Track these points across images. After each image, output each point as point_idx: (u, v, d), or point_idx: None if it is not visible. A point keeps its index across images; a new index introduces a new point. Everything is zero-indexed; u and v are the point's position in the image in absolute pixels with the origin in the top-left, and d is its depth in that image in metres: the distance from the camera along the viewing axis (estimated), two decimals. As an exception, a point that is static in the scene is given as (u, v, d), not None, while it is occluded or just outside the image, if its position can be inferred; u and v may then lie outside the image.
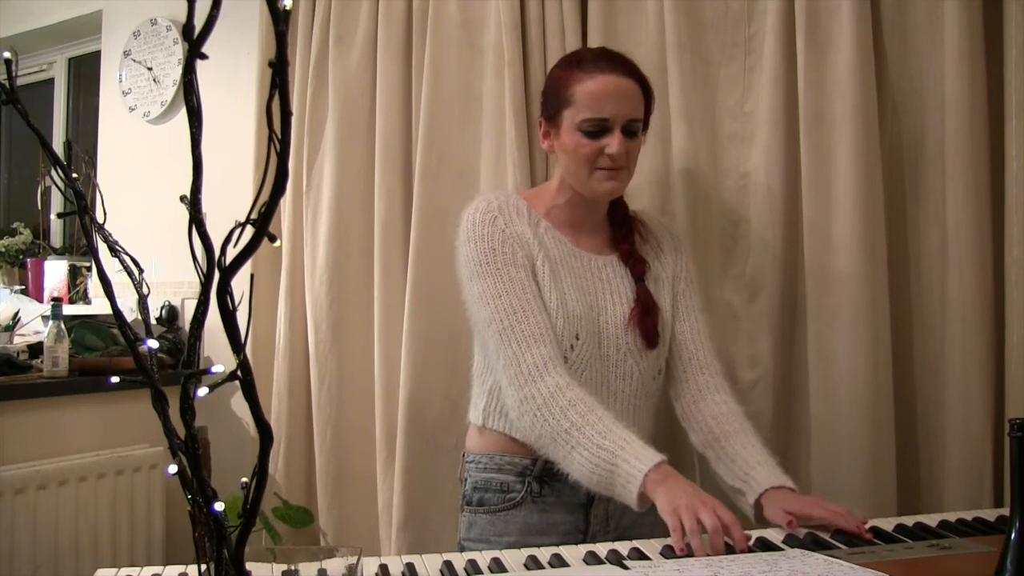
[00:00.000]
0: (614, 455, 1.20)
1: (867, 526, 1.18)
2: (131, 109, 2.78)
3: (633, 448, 1.21)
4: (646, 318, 1.42)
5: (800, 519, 1.18)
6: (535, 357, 1.30)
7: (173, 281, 2.54)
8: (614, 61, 1.41)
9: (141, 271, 0.78)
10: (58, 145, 3.26)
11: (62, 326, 2.24)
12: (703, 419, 1.42)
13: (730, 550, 1.09)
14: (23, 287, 3.00)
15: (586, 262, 1.44)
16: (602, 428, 1.23)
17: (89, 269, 2.93)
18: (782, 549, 1.10)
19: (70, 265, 2.91)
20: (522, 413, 1.31)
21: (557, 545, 1.15)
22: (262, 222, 0.60)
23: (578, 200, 1.45)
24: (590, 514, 1.41)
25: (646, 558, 1.08)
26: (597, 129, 1.37)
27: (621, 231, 1.49)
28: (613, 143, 1.36)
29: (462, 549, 1.44)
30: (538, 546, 1.15)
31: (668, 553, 1.11)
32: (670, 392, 1.50)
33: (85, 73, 3.30)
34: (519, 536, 1.39)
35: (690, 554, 1.08)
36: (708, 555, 1.07)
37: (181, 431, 0.67)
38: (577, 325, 1.38)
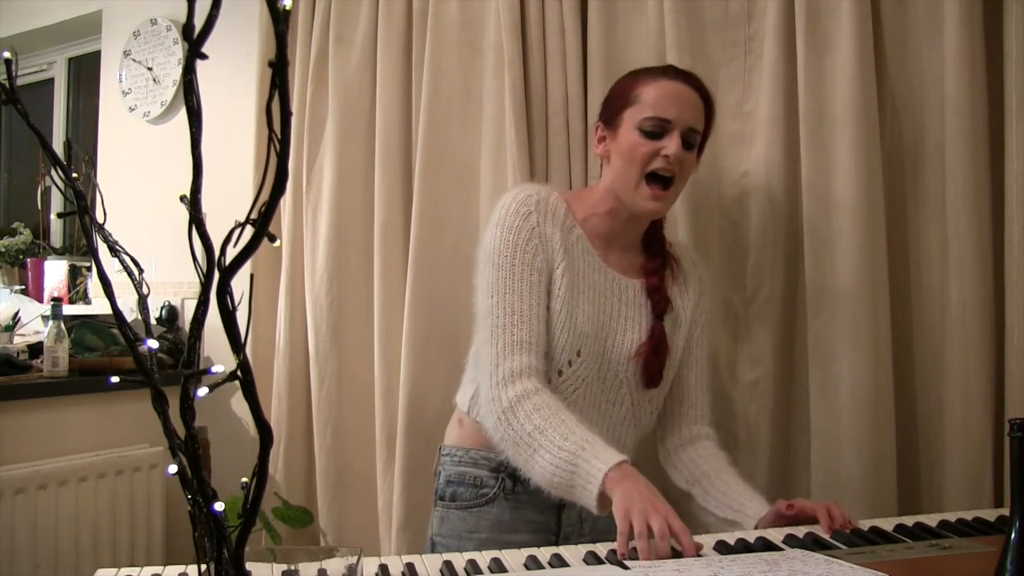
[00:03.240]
0: (575, 455, 1.19)
1: (864, 526, 1.18)
2: (131, 109, 2.78)
3: (594, 448, 1.20)
4: (653, 358, 1.40)
5: (796, 508, 1.20)
6: (514, 364, 1.30)
7: (173, 281, 2.54)
8: (683, 72, 1.42)
9: (141, 271, 0.78)
10: (58, 145, 3.25)
11: (62, 326, 2.24)
12: (689, 459, 1.43)
13: (735, 551, 1.09)
14: (23, 287, 3.00)
15: (609, 280, 1.42)
16: (564, 430, 1.23)
17: (89, 269, 2.93)
18: (782, 549, 1.10)
19: (70, 265, 2.91)
20: (487, 413, 1.31)
21: (529, 543, 1.15)
22: (262, 222, 0.60)
23: (618, 213, 1.42)
24: (562, 515, 1.41)
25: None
26: (658, 130, 1.35)
27: (654, 262, 1.46)
28: (671, 144, 1.34)
29: (433, 546, 1.43)
30: (510, 544, 1.15)
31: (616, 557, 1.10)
32: (657, 432, 1.51)
33: (85, 73, 3.30)
34: (491, 533, 1.38)
35: (633, 558, 1.06)
36: (653, 559, 1.05)
37: (181, 431, 0.67)
38: (581, 342, 1.37)
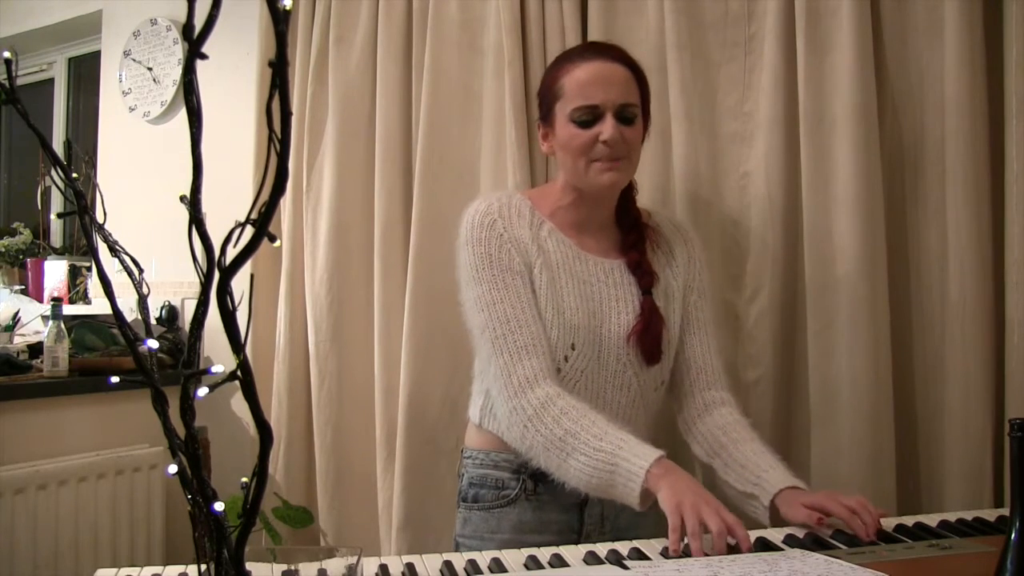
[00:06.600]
0: (613, 455, 1.19)
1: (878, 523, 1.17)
2: (131, 109, 2.78)
3: (631, 446, 1.20)
4: (646, 335, 1.38)
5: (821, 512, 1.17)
6: (526, 369, 1.29)
7: (173, 281, 2.54)
8: (601, 48, 1.41)
9: (141, 271, 0.78)
10: (58, 145, 3.26)
11: (62, 326, 2.24)
12: (708, 431, 1.40)
13: (733, 551, 1.09)
14: (23, 287, 3.00)
15: (591, 266, 1.42)
16: (597, 431, 1.23)
17: (89, 269, 2.93)
18: (782, 549, 1.10)
19: (70, 265, 2.91)
20: (512, 424, 1.30)
21: (551, 543, 1.15)
22: (262, 222, 0.60)
23: (582, 200, 1.43)
24: (584, 514, 1.41)
25: (646, 558, 1.08)
26: (589, 117, 1.34)
27: (631, 237, 1.45)
28: (606, 128, 1.33)
29: (457, 546, 1.44)
30: (533, 544, 1.15)
31: (668, 553, 1.10)
32: (672, 404, 1.49)
33: (85, 73, 3.30)
34: (513, 534, 1.38)
35: (686, 555, 1.07)
36: (707, 555, 1.06)
37: (181, 431, 0.67)
38: (574, 335, 1.36)
